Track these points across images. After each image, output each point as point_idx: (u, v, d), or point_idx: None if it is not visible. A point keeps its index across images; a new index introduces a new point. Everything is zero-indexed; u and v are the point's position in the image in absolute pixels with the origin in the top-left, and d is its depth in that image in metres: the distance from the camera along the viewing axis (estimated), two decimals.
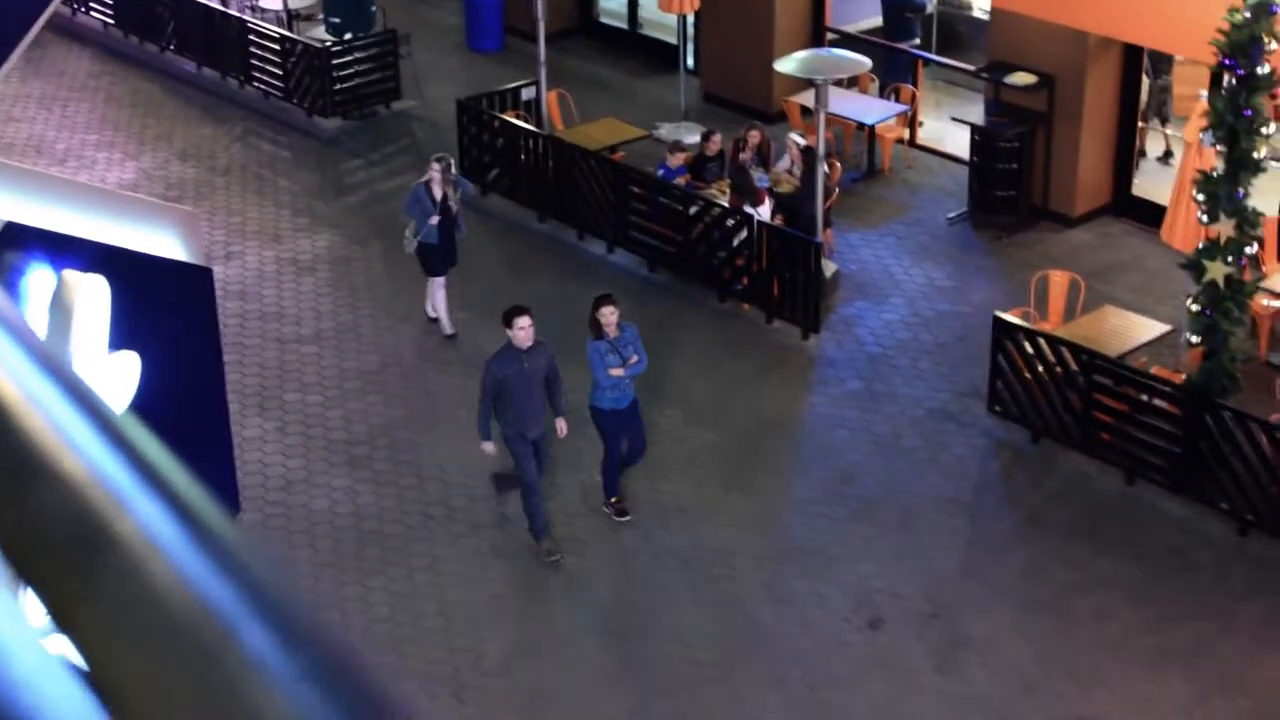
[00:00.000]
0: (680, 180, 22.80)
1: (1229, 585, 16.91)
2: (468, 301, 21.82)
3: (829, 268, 21.88)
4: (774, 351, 20.79)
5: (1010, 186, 23.66)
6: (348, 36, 28.17)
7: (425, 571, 16.94)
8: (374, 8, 29.08)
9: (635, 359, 16.95)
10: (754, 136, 23.22)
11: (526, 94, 25.24)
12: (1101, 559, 17.24)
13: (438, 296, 21.27)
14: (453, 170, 21.07)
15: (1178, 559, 17.28)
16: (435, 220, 20.44)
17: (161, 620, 1.56)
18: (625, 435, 17.44)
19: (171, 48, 29.97)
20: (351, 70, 27.64)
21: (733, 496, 18.10)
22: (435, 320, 21.41)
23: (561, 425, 17.16)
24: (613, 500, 17.73)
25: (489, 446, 16.95)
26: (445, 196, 20.58)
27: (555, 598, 16.62)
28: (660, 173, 22.88)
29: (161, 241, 11.40)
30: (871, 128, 25.40)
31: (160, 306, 10.72)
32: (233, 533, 1.66)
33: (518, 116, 24.75)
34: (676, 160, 22.96)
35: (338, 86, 27.42)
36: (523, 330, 16.41)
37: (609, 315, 16.87)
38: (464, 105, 25.02)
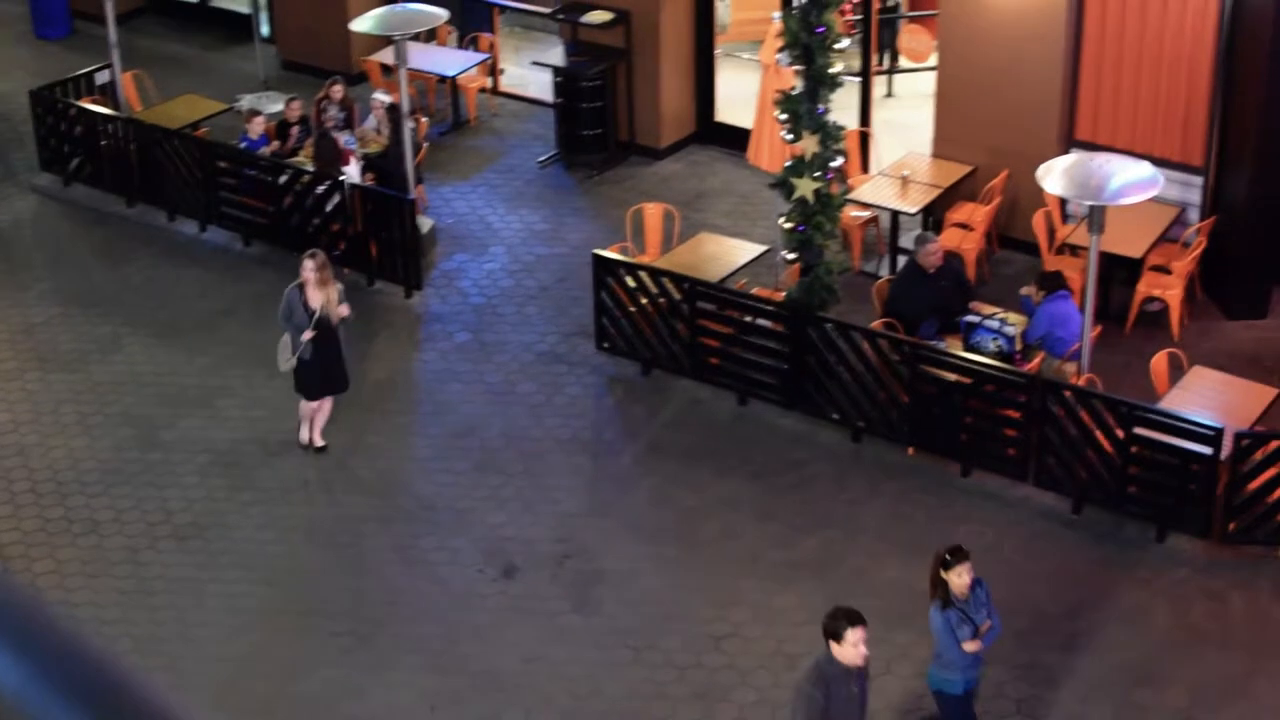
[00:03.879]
0: (266, 150, 22.44)
1: (849, 492, 17.32)
2: (62, 298, 21.21)
3: (425, 224, 21.77)
4: (379, 313, 20.61)
5: (597, 125, 23.82)
6: None
7: (49, 575, 16.42)
8: None
9: (988, 624, 13.34)
10: (336, 91, 23.01)
11: (101, 78, 24.54)
12: (724, 481, 17.50)
13: (308, 416, 18.22)
14: (330, 269, 17.91)
15: (797, 472, 17.63)
16: (308, 336, 17.46)
17: None
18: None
19: None
20: None
21: (354, 462, 17.92)
22: (311, 447, 18.27)
23: None
24: None
25: None
26: (322, 305, 17.46)
27: (183, 587, 16.25)
28: (243, 144, 22.47)
29: None
30: (454, 79, 25.28)
31: None
32: None
33: (94, 102, 24.05)
34: (256, 129, 22.57)
35: None
36: (857, 647, 12.01)
37: (963, 577, 13.17)
38: (37, 95, 24.17)
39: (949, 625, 13.12)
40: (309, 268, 17.43)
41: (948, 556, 13.13)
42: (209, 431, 18.47)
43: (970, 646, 13.15)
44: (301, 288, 17.46)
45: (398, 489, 17.51)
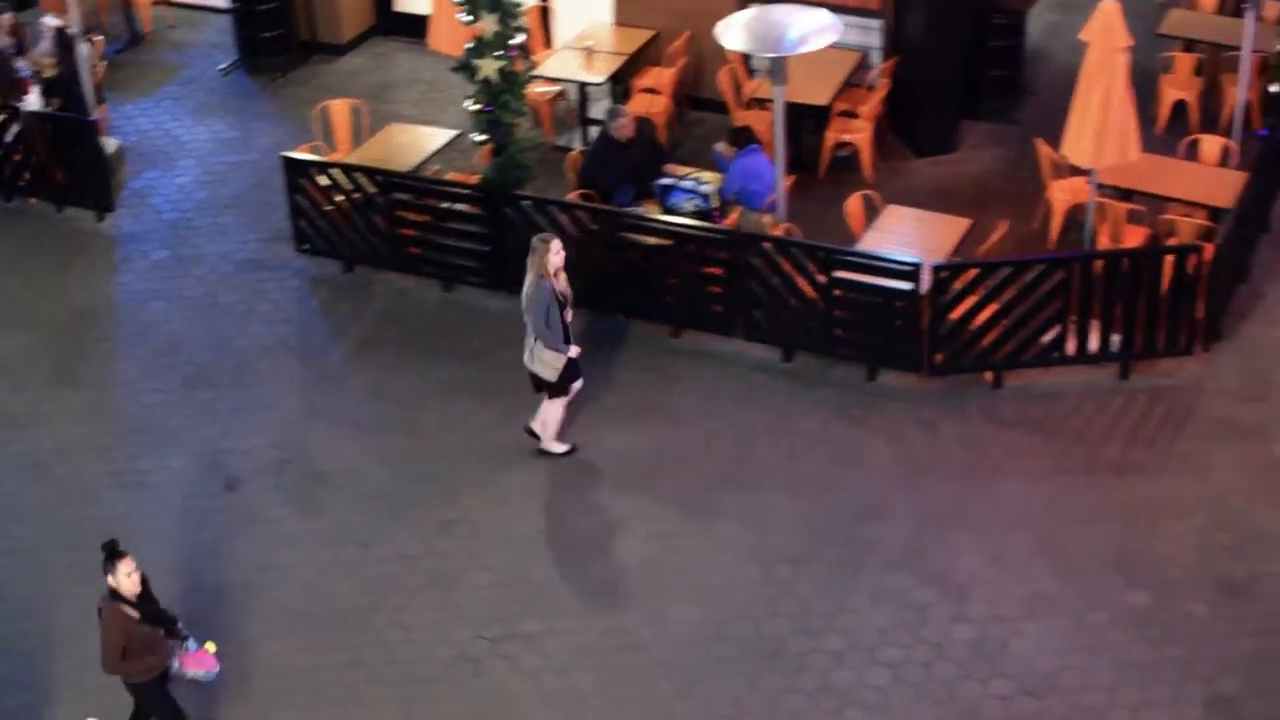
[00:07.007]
0: None
1: None
2: None
3: (110, 144, 21.28)
4: (71, 239, 20.13)
5: (276, 26, 23.48)
6: None
7: None
8: None
9: None
10: (5, 19, 22.32)
11: None
12: (438, 369, 17.47)
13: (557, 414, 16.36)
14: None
15: (510, 352, 17.53)
16: (575, 352, 15.82)
17: None
18: None
19: None
20: None
21: (61, 393, 17.54)
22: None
23: None
24: None
25: None
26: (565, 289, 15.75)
27: None
28: None
29: None
30: None
31: None
32: None
33: None
34: None
35: None
36: None
37: None
38: None
39: None
40: (559, 249, 15.41)
41: None
42: None
43: None
44: (544, 278, 15.38)
45: (109, 414, 17.20)
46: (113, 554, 12.44)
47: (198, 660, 12.89)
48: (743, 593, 14.61)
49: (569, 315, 15.70)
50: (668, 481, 15.87)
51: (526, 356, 15.79)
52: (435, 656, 14.17)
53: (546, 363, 15.70)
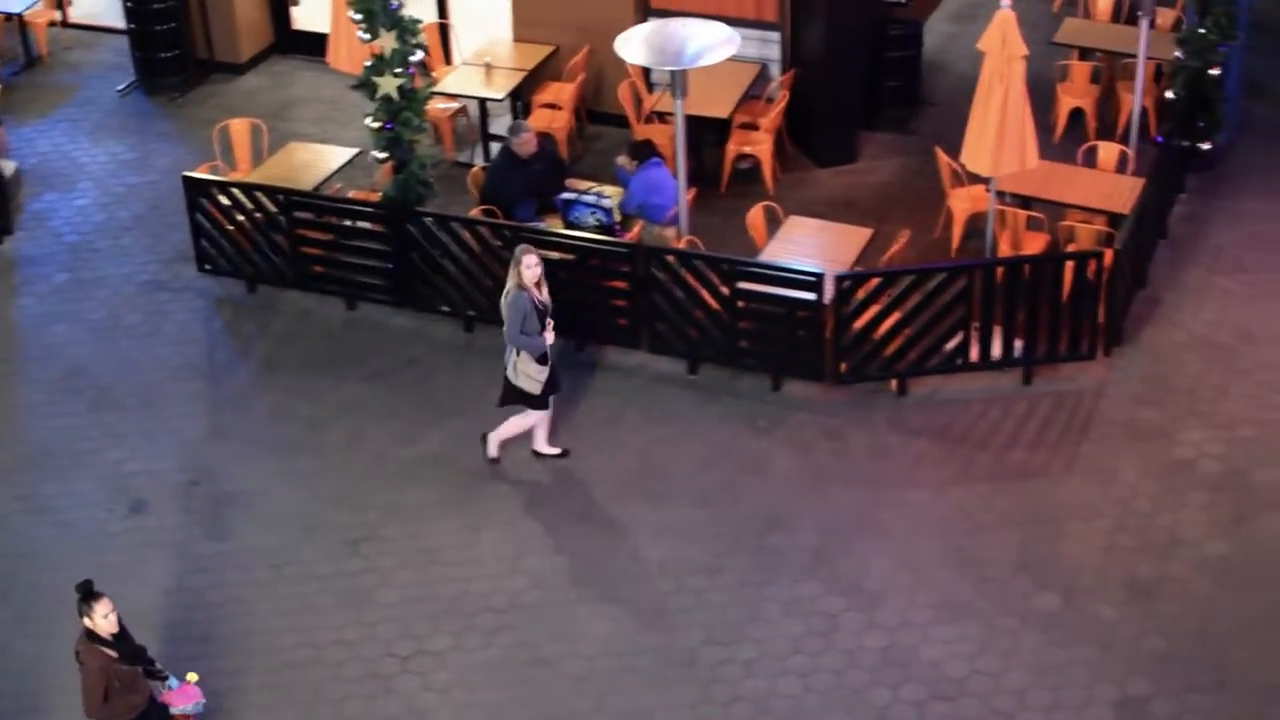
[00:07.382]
0: None
1: (468, 381, 17.40)
2: None
3: (8, 166, 21.14)
4: None
5: (173, 46, 23.31)
6: None
7: None
8: None
9: None
10: None
11: None
12: (343, 387, 17.42)
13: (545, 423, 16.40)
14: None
15: (415, 369, 17.65)
16: (550, 336, 15.59)
17: None
18: None
19: None
20: None
21: None
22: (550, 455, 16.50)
23: None
24: None
25: None
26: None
27: None
28: None
29: None
30: (20, 16, 24.48)
31: None
32: None
33: None
34: None
35: None
36: None
37: None
38: None
39: None
40: (535, 264, 15.38)
41: None
42: None
43: None
44: (522, 289, 15.31)
45: (13, 439, 17.03)
46: (88, 595, 12.23)
47: (183, 694, 12.84)
48: (654, 604, 14.64)
49: (549, 328, 15.60)
50: (576, 495, 15.89)
51: (509, 371, 15.69)
52: (345, 675, 14.12)
53: (531, 376, 15.64)
